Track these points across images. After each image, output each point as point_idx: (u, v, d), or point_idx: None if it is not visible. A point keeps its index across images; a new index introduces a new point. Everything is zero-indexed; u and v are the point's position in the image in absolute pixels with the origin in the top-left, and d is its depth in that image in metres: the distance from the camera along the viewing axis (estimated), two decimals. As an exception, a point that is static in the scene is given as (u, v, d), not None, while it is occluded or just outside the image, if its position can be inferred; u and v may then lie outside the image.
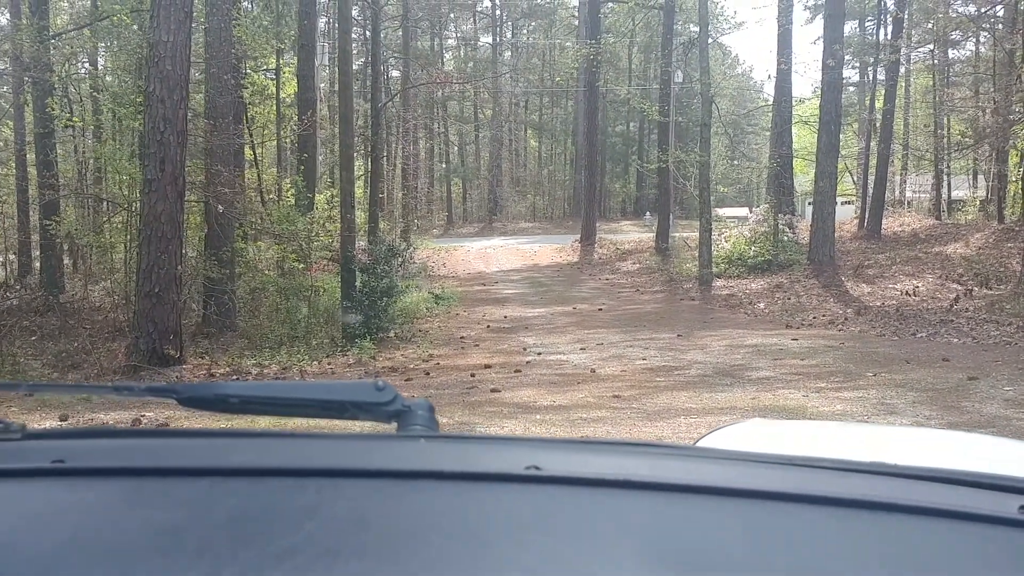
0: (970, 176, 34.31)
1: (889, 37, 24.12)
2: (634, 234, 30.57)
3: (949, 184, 30.19)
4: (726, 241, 20.53)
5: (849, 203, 28.54)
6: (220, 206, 11.92)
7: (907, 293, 15.14)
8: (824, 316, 14.02)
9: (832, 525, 0.73)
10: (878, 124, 26.47)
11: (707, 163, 18.06)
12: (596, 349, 10.80)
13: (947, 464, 1.31)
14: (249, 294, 16.05)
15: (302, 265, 15.50)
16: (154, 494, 0.79)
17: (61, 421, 6.52)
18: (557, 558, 0.65)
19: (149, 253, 9.86)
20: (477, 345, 11.76)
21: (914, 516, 0.74)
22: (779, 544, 0.69)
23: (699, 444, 1.74)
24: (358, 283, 11.98)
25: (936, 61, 32.67)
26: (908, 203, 33.23)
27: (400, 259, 12.76)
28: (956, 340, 10.50)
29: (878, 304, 14.81)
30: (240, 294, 15.73)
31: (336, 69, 15.93)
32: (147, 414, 6.67)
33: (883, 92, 26.64)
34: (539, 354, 10.64)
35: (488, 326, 13.83)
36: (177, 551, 0.66)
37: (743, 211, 36.57)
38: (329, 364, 10.92)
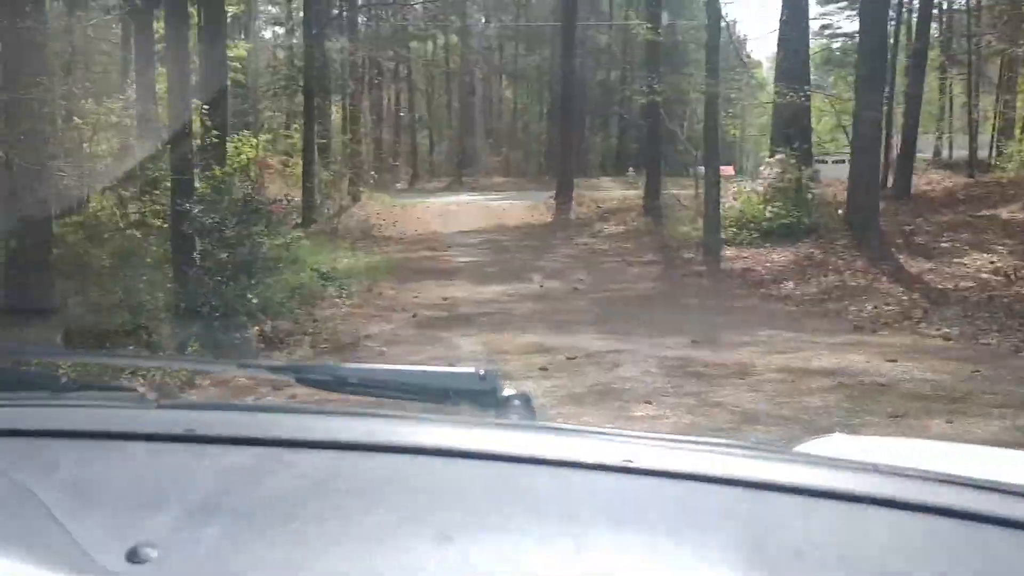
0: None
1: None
2: (617, 191, 26.25)
3: (971, 140, 26.18)
4: (735, 199, 16.38)
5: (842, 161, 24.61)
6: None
7: (994, 273, 11.11)
8: (888, 306, 9.96)
9: (928, 533, 0.73)
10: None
11: (716, 95, 13.82)
12: (566, 372, 6.57)
13: None
14: (103, 265, 11.83)
15: (160, 221, 11.20)
16: (279, 464, 0.82)
17: None
18: (652, 547, 0.68)
19: None
20: (383, 353, 7.53)
21: (1013, 529, 0.73)
22: (871, 548, 0.70)
23: None
24: (196, 254, 7.65)
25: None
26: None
27: (265, 219, 8.35)
28: None
29: (951, 287, 10.77)
30: (88, 265, 11.53)
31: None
32: None
33: (914, 24, 22.53)
34: (474, 377, 6.48)
35: (415, 315, 9.62)
36: (301, 516, 0.71)
37: (728, 169, 32.50)
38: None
